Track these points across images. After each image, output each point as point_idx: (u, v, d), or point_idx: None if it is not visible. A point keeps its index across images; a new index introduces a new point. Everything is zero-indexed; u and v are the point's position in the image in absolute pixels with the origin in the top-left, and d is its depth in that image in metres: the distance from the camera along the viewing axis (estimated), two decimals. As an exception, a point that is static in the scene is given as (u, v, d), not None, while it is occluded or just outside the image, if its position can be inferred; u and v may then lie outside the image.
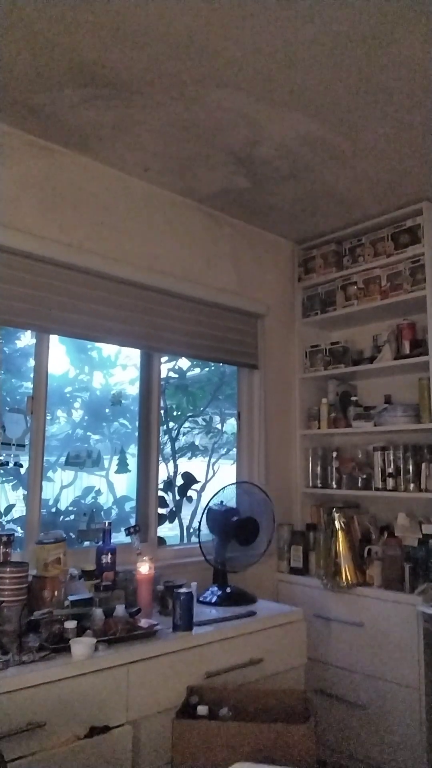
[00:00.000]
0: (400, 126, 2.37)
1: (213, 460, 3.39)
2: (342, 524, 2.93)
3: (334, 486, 3.26)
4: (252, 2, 1.75)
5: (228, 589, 2.60)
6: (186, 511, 3.15)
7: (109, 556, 2.33)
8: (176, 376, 3.28)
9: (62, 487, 2.86)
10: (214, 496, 2.67)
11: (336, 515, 2.96)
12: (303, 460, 3.40)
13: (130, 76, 2.08)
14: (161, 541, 2.89)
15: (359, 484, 3.15)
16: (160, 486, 2.90)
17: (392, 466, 3.00)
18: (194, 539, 3.12)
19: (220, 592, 2.58)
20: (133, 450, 2.90)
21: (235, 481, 3.18)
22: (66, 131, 2.41)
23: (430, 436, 2.84)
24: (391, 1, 1.74)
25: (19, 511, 2.63)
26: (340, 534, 2.92)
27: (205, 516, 2.70)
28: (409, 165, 2.67)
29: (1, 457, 2.35)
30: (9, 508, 2.68)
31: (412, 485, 2.92)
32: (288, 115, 2.30)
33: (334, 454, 3.30)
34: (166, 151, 2.56)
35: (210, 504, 2.71)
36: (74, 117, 2.32)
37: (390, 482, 2.99)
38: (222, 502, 2.72)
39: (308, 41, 1.90)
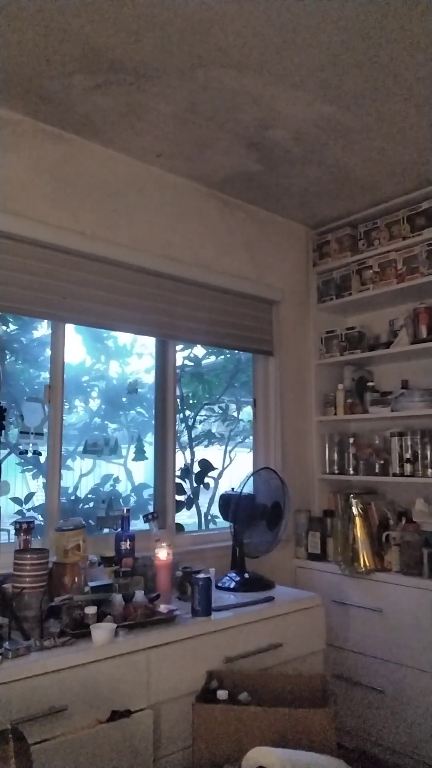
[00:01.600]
0: (414, 106, 2.32)
1: (229, 447, 3.39)
2: (359, 510, 2.92)
3: (352, 472, 3.25)
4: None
5: (246, 575, 2.61)
6: (203, 498, 3.16)
7: (128, 542, 2.35)
8: (192, 364, 3.28)
9: (81, 475, 2.89)
10: (242, 484, 2.67)
11: (353, 501, 2.95)
12: (320, 446, 3.39)
13: (140, 62, 2.06)
14: (179, 527, 2.91)
15: (376, 470, 3.13)
16: (178, 473, 2.91)
17: (410, 452, 2.98)
18: (212, 526, 3.13)
19: (238, 578, 2.59)
20: (150, 438, 2.91)
21: (252, 467, 3.19)
22: (77, 118, 2.40)
23: (448, 420, 2.82)
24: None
25: (39, 499, 2.65)
26: (357, 520, 2.91)
27: (220, 502, 2.71)
28: (425, 146, 2.62)
29: (20, 446, 2.38)
30: (29, 496, 2.71)
31: (430, 470, 2.90)
32: (300, 97, 2.27)
33: (351, 440, 3.28)
34: (178, 136, 2.55)
35: (225, 491, 2.71)
36: (85, 103, 2.31)
37: (408, 468, 2.97)
38: (233, 488, 2.73)
39: (319, 20, 1.87)
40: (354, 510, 2.93)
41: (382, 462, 3.13)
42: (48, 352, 2.50)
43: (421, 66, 2.09)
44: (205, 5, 1.80)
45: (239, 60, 2.05)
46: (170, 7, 1.81)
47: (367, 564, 2.84)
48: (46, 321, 2.55)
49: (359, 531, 2.89)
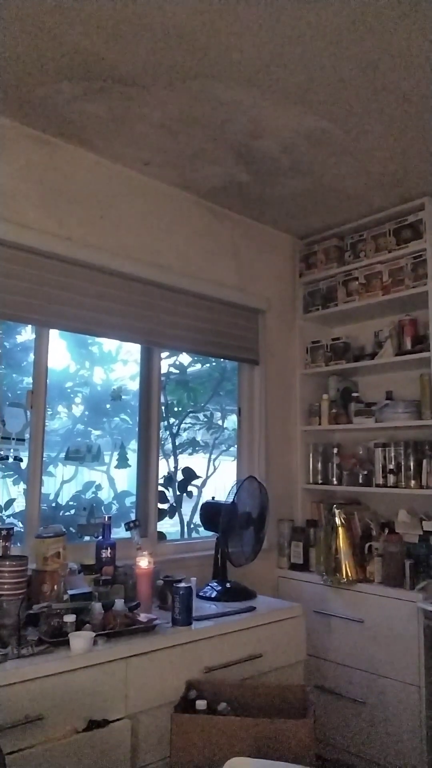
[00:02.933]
0: (401, 121, 2.36)
1: (214, 456, 3.38)
2: (342, 520, 2.93)
3: (335, 482, 3.26)
4: (252, -6, 1.74)
5: (228, 584, 2.60)
6: (186, 507, 3.15)
7: (109, 550, 2.33)
8: (177, 371, 3.28)
9: (63, 482, 2.86)
10: (230, 493, 2.65)
11: (336, 511, 2.96)
12: (304, 456, 3.39)
13: (130, 70, 2.07)
14: (161, 536, 2.89)
15: (360, 481, 3.14)
16: (161, 481, 2.90)
17: (393, 463, 2.99)
18: (194, 534, 3.12)
19: (219, 587, 2.57)
20: (133, 445, 2.90)
21: (236, 476, 3.18)
22: (66, 125, 2.41)
23: (431, 432, 2.83)
24: (393, -7, 1.73)
25: (19, 505, 2.62)
26: (340, 530, 2.91)
27: (202, 512, 2.70)
28: (411, 160, 2.65)
29: (1, 452, 2.35)
30: (10, 503, 2.68)
31: (413, 482, 2.91)
32: (289, 110, 2.29)
33: (335, 451, 3.29)
34: (166, 145, 2.56)
35: (207, 500, 2.71)
36: (74, 110, 2.31)
37: (391, 478, 2.98)
38: (213, 497, 2.72)
39: (309, 35, 1.89)
40: (337, 520, 2.94)
41: (365, 472, 3.14)
42: (31, 357, 2.49)
43: (408, 81, 2.11)
44: (195, 16, 1.82)
45: (229, 71, 2.07)
46: (161, 17, 1.82)
47: (350, 575, 2.84)
48: (29, 326, 2.54)
49: (342, 541, 2.90)
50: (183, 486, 3.15)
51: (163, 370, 2.98)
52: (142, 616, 2.07)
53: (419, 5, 1.78)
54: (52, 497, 2.80)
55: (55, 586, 2.07)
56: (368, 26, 1.86)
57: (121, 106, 2.28)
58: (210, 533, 2.75)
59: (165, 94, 2.20)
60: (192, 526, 3.15)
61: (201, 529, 2.85)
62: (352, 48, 1.95)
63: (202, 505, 2.76)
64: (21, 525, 2.46)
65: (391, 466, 2.99)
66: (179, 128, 2.42)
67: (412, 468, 2.92)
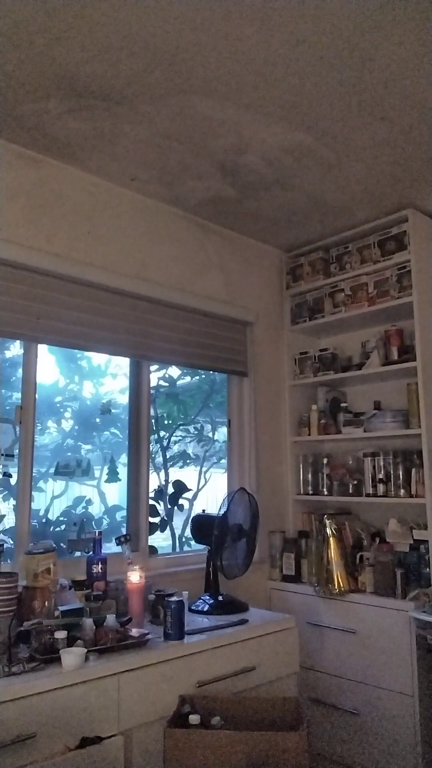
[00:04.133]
0: (384, 134, 2.40)
1: (205, 468, 3.38)
2: (333, 531, 2.93)
3: (326, 492, 3.26)
4: (236, 14, 1.77)
5: (220, 598, 2.59)
6: (178, 520, 3.14)
7: (100, 565, 2.32)
8: (167, 384, 3.28)
9: (53, 498, 2.85)
10: (221, 506, 2.66)
11: (327, 522, 2.96)
12: (294, 467, 3.40)
13: (115, 87, 2.10)
14: (153, 550, 2.88)
15: (350, 491, 3.15)
16: (152, 495, 2.89)
17: (382, 472, 3.00)
18: (186, 548, 3.11)
19: (212, 601, 2.57)
20: (124, 459, 2.90)
21: (226, 488, 3.18)
22: (52, 141, 2.43)
23: (419, 441, 2.86)
24: (376, 13, 1.77)
25: (9, 521, 2.61)
26: (331, 541, 2.92)
27: (192, 525, 2.70)
28: (394, 173, 2.70)
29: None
30: (-1, 519, 2.66)
31: (402, 491, 2.92)
32: (273, 125, 2.33)
33: (325, 461, 3.31)
34: (152, 161, 2.58)
35: (197, 513, 2.71)
36: (60, 127, 2.33)
37: (380, 488, 3.00)
38: (204, 510, 2.72)
39: (292, 51, 1.93)
40: (328, 530, 2.94)
41: (355, 482, 3.15)
42: (20, 372, 2.49)
43: (393, 95, 2.15)
44: (179, 33, 1.85)
45: (212, 87, 2.10)
46: (144, 34, 1.85)
47: (342, 585, 2.84)
48: (18, 341, 2.54)
49: (333, 552, 2.90)
50: (174, 499, 3.15)
51: (153, 383, 2.99)
52: (134, 631, 2.07)
53: (404, 26, 1.82)
54: (42, 513, 2.79)
55: (46, 603, 2.06)
56: (353, 45, 1.90)
57: (107, 123, 2.31)
58: (202, 546, 2.74)
59: (150, 110, 2.23)
60: (184, 539, 3.14)
61: (193, 542, 2.85)
62: (336, 66, 1.99)
63: (193, 518, 2.76)
64: (11, 541, 2.44)
65: (381, 476, 3.00)
66: (164, 144, 2.45)
67: (401, 477, 2.94)
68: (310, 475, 3.35)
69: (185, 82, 2.08)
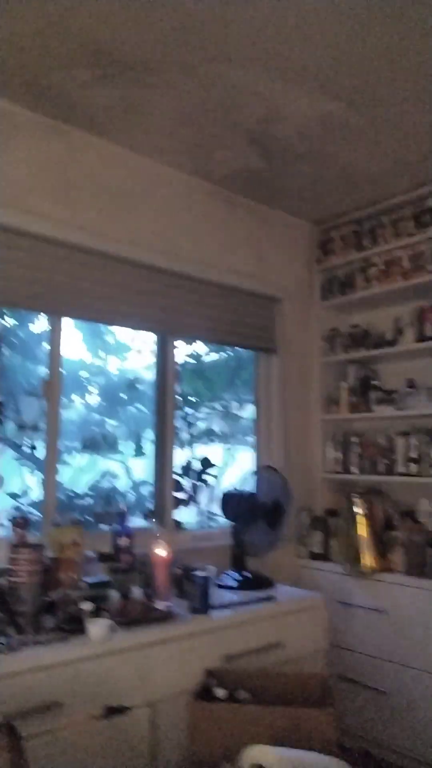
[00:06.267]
0: (420, 102, 2.29)
1: (231, 445, 3.35)
2: (363, 510, 2.88)
3: (356, 471, 3.21)
4: (263, -33, 1.70)
5: (247, 573, 2.57)
6: (204, 496, 3.13)
7: (125, 539, 2.32)
8: (193, 361, 3.25)
9: (79, 471, 2.86)
10: (245, 484, 2.64)
11: (357, 501, 2.91)
12: (323, 445, 3.35)
13: (141, 56, 2.04)
14: (179, 525, 2.87)
15: (381, 470, 3.09)
16: (178, 471, 2.87)
17: (415, 451, 2.93)
18: (213, 524, 3.10)
19: (238, 577, 2.55)
20: (150, 435, 2.88)
21: (254, 466, 3.15)
22: (78, 112, 2.39)
23: (453, 419, 2.78)
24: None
25: (36, 495, 2.63)
26: (361, 519, 2.87)
27: (223, 501, 2.67)
28: (430, 143, 2.59)
29: (17, 442, 2.35)
30: (26, 491, 2.68)
31: (435, 470, 2.85)
32: (303, 93, 2.24)
33: (355, 440, 3.24)
34: (180, 132, 2.53)
35: (227, 489, 2.68)
36: (86, 97, 2.29)
37: (413, 467, 2.93)
38: (235, 487, 2.69)
39: (322, 16, 1.84)
40: (357, 510, 2.89)
41: (386, 461, 3.08)
42: (45, 346, 2.48)
43: (425, 63, 2.05)
44: (208, 1, 1.78)
45: (242, 55, 2.03)
46: (173, 2, 1.79)
47: (371, 564, 2.80)
48: (44, 315, 2.53)
49: (363, 531, 2.85)
50: (200, 475, 3.13)
51: (180, 360, 2.96)
52: (160, 604, 2.06)
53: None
54: (68, 486, 2.80)
55: (72, 574, 2.06)
56: (384, 6, 1.80)
57: (134, 93, 2.26)
58: (229, 522, 2.72)
59: (177, 79, 2.17)
60: (210, 515, 3.12)
61: (220, 518, 2.83)
62: (371, 30, 1.90)
63: (223, 494, 2.73)
64: (39, 514, 2.45)
65: (413, 455, 2.93)
66: (192, 114, 2.39)
67: (434, 456, 2.86)
68: (340, 454, 3.29)
69: (215, 51, 2.01)
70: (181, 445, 3.06)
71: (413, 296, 3.14)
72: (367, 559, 2.80)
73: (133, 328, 2.74)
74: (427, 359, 3.13)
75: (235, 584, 2.50)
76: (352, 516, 2.90)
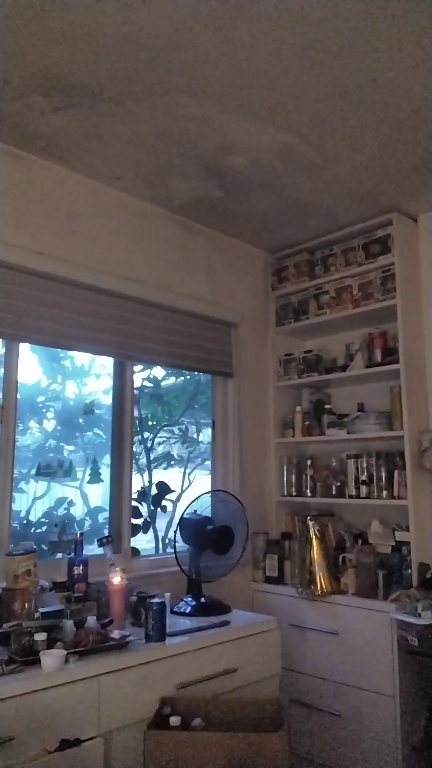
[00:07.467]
0: (370, 136, 2.41)
1: (189, 470, 3.37)
2: (316, 532, 2.94)
3: (309, 494, 3.27)
4: (222, 14, 1.77)
5: (202, 599, 2.58)
6: (162, 522, 3.13)
7: (81, 567, 2.30)
8: (151, 385, 3.27)
9: (34, 499, 2.83)
10: (188, 506, 2.66)
11: (310, 523, 2.97)
12: (278, 468, 3.40)
13: (100, 85, 2.09)
14: (135, 551, 2.86)
15: (333, 492, 3.16)
16: (135, 496, 2.87)
17: (365, 474, 3.02)
18: (169, 550, 3.10)
19: (194, 602, 2.56)
20: (107, 460, 2.88)
21: (210, 490, 3.17)
22: (36, 139, 2.41)
23: (401, 443, 2.87)
24: (360, 16, 1.78)
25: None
26: (314, 542, 2.92)
27: (179, 526, 2.69)
28: (379, 176, 2.71)
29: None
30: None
31: (385, 492, 2.94)
32: (259, 126, 2.33)
33: (309, 462, 3.31)
34: (138, 160, 2.57)
35: (184, 513, 2.69)
36: (44, 125, 2.31)
37: (363, 489, 3.01)
38: (195, 511, 2.71)
39: (278, 52, 1.93)
40: (311, 532, 2.95)
41: (338, 484, 3.16)
42: (1, 371, 2.46)
43: (378, 97, 2.16)
44: (166, 33, 1.84)
45: (199, 88, 2.10)
46: (131, 33, 1.84)
47: (324, 586, 2.85)
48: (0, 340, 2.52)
49: (316, 553, 2.90)
50: (157, 500, 3.13)
51: (138, 383, 2.97)
52: (115, 633, 2.05)
53: (389, 29, 1.83)
54: (23, 514, 2.77)
55: (26, 604, 2.04)
56: (339, 47, 1.90)
57: (92, 121, 2.30)
58: (186, 547, 2.73)
59: (135, 109, 2.22)
60: (167, 541, 3.13)
61: (178, 543, 2.84)
62: (323, 65, 1.99)
63: (180, 518, 2.74)
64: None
65: (364, 477, 3.02)
66: (150, 143, 2.44)
67: (384, 479, 2.95)
68: (293, 477, 3.35)
69: (172, 82, 2.07)
70: (140, 470, 3.06)
71: (363, 323, 3.25)
72: (321, 582, 2.85)
73: (91, 353, 2.75)
74: (375, 384, 3.23)
75: (191, 610, 2.51)
76: (307, 539, 2.95)
